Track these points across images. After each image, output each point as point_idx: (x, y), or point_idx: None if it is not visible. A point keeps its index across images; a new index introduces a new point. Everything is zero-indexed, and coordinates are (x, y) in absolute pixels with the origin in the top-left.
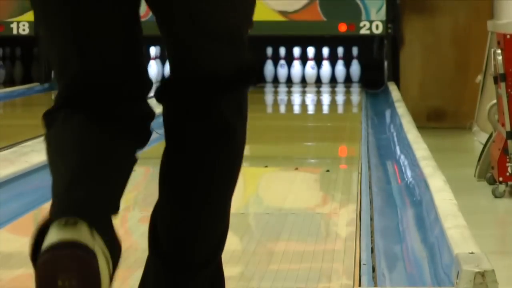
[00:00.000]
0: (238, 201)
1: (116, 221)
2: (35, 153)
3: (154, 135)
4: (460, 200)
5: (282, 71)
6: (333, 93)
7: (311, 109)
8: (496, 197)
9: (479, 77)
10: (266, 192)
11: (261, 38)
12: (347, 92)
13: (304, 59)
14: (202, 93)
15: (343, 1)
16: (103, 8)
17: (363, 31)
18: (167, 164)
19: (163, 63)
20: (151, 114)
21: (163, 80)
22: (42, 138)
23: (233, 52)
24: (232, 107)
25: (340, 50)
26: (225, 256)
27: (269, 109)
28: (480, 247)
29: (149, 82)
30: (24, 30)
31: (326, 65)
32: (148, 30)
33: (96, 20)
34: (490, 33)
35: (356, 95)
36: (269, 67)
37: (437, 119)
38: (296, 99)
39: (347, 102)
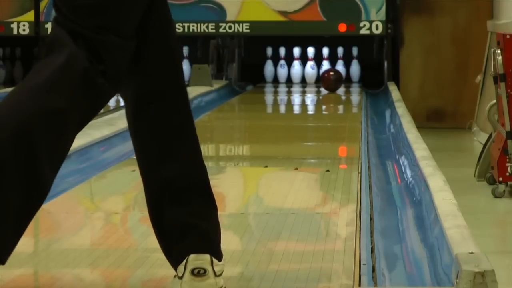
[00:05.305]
0: (238, 201)
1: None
2: None
3: None
4: (460, 200)
5: (282, 71)
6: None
7: (311, 109)
8: (496, 197)
9: (479, 77)
10: (266, 192)
11: (261, 38)
12: (347, 92)
13: (304, 59)
14: None
15: (343, 1)
16: None
17: (363, 31)
18: None
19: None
20: None
21: None
22: None
23: None
24: None
25: (340, 50)
26: (225, 256)
27: (269, 109)
28: (480, 247)
29: None
30: (24, 30)
31: (326, 65)
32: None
33: None
34: (490, 33)
35: (356, 95)
36: (269, 67)
37: (437, 119)
38: (296, 99)
39: (347, 102)
